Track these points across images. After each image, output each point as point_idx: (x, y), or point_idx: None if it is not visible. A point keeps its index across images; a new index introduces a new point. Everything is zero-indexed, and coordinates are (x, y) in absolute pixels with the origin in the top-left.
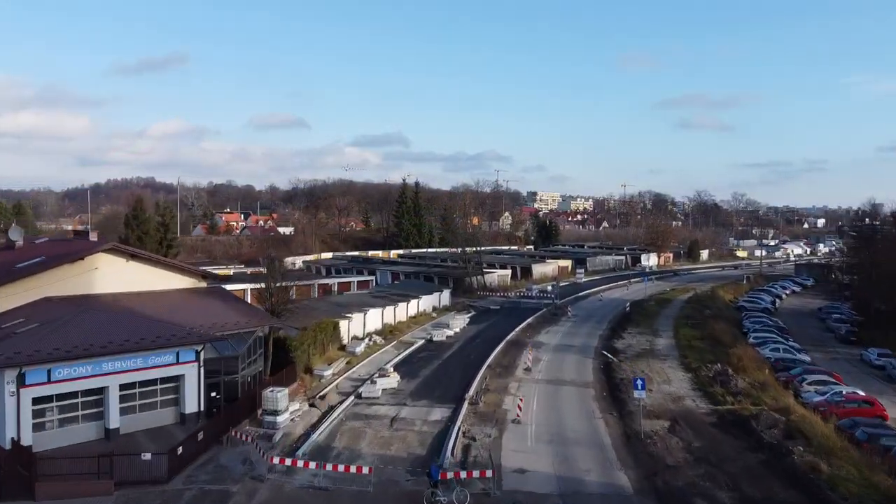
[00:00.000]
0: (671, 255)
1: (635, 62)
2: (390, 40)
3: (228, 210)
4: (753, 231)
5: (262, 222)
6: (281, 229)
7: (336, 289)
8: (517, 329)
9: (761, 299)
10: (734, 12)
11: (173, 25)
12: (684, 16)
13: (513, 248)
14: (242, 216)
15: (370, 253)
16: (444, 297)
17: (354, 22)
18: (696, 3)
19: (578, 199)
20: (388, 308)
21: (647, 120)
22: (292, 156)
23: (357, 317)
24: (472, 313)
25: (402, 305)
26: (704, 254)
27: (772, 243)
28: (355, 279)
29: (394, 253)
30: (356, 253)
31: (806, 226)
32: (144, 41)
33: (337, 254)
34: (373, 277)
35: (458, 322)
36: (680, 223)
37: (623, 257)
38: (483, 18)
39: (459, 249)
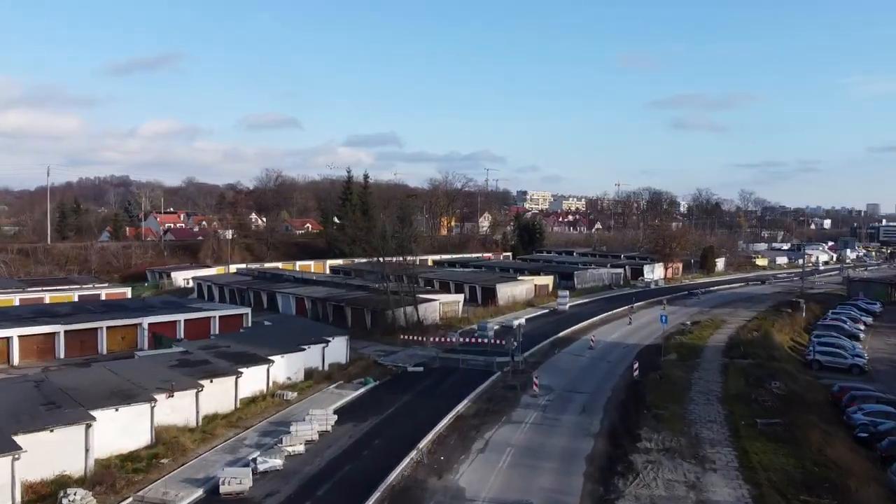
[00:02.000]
0: (680, 265)
1: (630, 63)
2: (384, 40)
3: (172, 210)
4: (763, 234)
5: (171, 224)
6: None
7: (182, 330)
8: (428, 437)
9: (842, 347)
10: (729, 14)
11: (165, 26)
12: (679, 17)
13: (484, 256)
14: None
15: (299, 264)
16: (336, 349)
17: (348, 22)
18: (691, 4)
19: (571, 199)
20: (183, 396)
21: (640, 120)
22: (285, 156)
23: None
24: (371, 385)
25: (222, 383)
26: (720, 263)
27: (784, 247)
28: (221, 312)
29: (330, 264)
30: (273, 265)
31: (813, 227)
32: (137, 41)
33: (243, 267)
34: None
35: (317, 420)
36: (680, 224)
37: (621, 270)
38: (478, 19)
39: (379, 261)
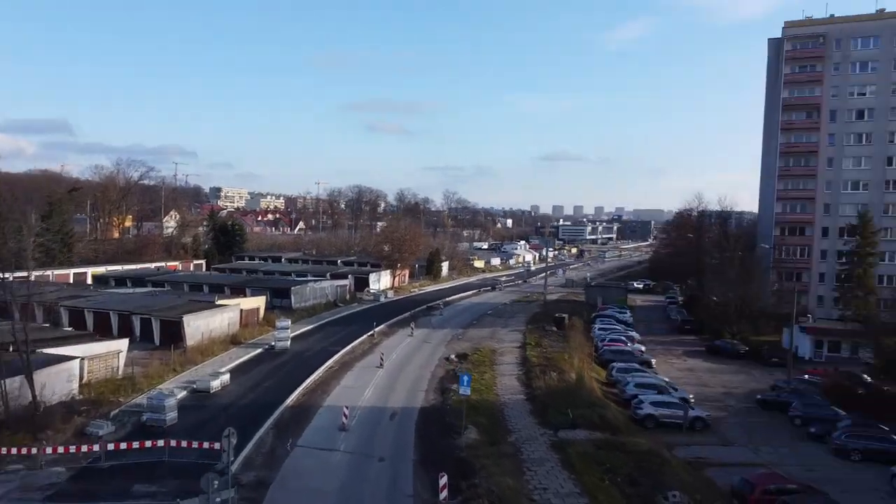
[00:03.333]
0: (407, 271)
1: (326, 62)
2: (60, 18)
3: None
4: (465, 233)
5: None
6: None
7: None
8: None
9: (663, 390)
10: (416, 24)
11: None
12: (370, 20)
13: (169, 266)
14: None
15: None
16: None
17: None
18: (382, 8)
19: (269, 197)
20: None
21: (338, 121)
22: None
23: None
24: None
25: None
26: (444, 267)
27: (483, 246)
28: None
29: None
30: None
31: (499, 226)
32: None
33: None
34: None
35: None
36: (385, 224)
37: (346, 281)
38: (166, 4)
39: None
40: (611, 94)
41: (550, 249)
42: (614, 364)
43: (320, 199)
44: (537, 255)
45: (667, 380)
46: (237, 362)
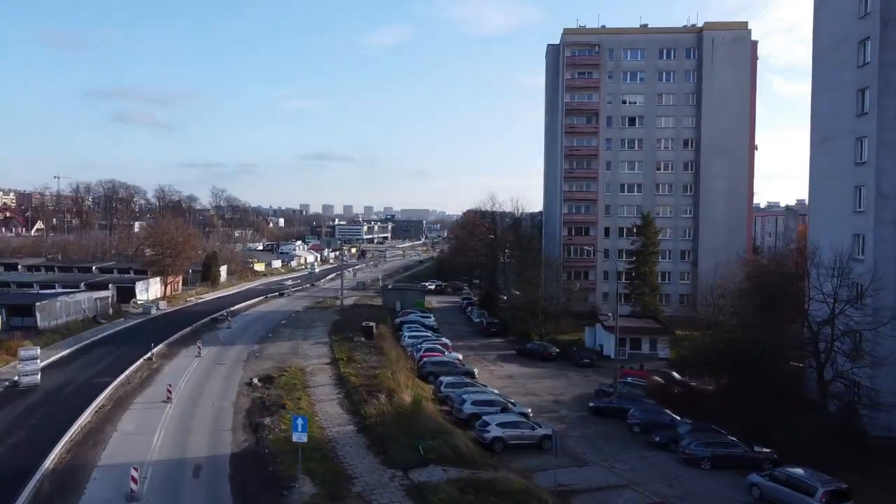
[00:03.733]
0: (181, 278)
1: (62, 43)
2: None
3: None
4: (236, 234)
5: None
6: None
7: None
8: None
9: (502, 406)
10: (167, 7)
11: None
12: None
13: None
14: None
15: None
16: None
17: None
18: None
19: None
20: None
21: (79, 109)
22: None
23: None
24: None
25: None
26: (223, 272)
27: (258, 247)
28: None
29: None
30: None
31: (271, 225)
32: None
33: None
34: None
35: None
36: (143, 223)
37: (107, 292)
38: None
39: None
40: (373, 96)
41: (331, 250)
42: (441, 378)
43: (62, 196)
44: (319, 255)
45: (496, 392)
46: None
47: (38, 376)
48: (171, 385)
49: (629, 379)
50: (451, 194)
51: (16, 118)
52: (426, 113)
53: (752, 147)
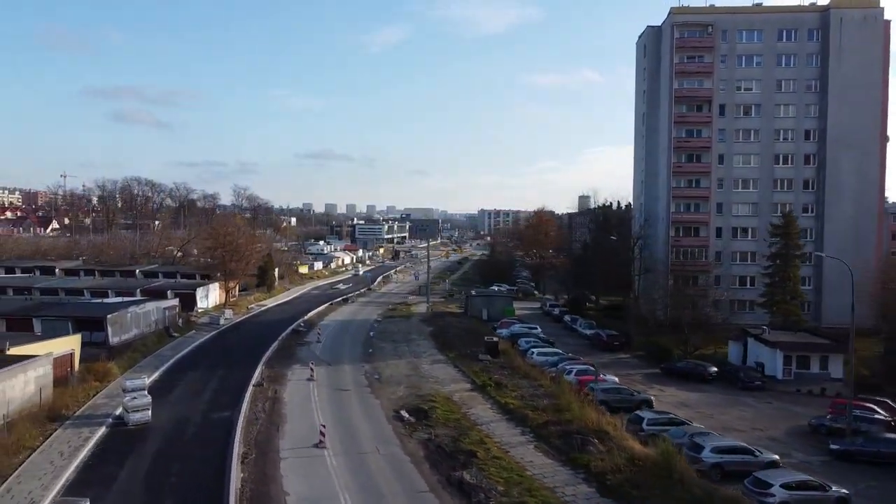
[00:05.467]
0: (237, 283)
1: (57, 42)
2: None
3: None
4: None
5: None
6: None
7: None
8: None
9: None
10: (168, 10)
11: None
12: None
13: None
14: None
15: None
16: None
17: None
18: None
19: (3, 192)
20: None
21: (78, 108)
22: None
23: None
24: None
25: None
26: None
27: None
28: None
29: None
30: None
31: (284, 225)
32: None
33: None
34: None
35: None
36: (160, 223)
37: (173, 301)
38: None
39: None
40: (373, 95)
41: (369, 251)
42: (641, 414)
43: (76, 195)
44: (354, 256)
45: (704, 430)
46: (72, 467)
47: (150, 412)
48: (323, 426)
49: (860, 411)
50: (451, 193)
51: (15, 117)
52: (426, 112)
53: (884, 139)
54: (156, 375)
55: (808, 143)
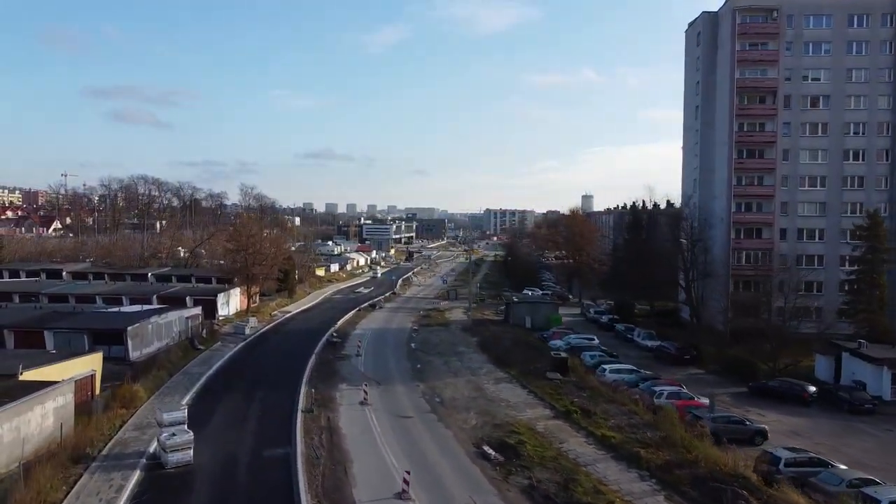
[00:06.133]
0: (260, 288)
1: (62, 40)
2: None
3: None
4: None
5: None
6: None
7: None
8: None
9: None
10: (167, 8)
11: None
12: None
13: None
14: None
15: None
16: None
17: None
18: None
19: (3, 192)
20: None
21: (78, 108)
22: None
23: None
24: None
25: None
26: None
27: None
28: None
29: None
30: None
31: (288, 225)
32: None
33: None
34: None
35: None
36: (165, 223)
37: (196, 310)
38: None
39: None
40: (373, 95)
41: (382, 252)
42: (776, 453)
43: (77, 194)
44: (368, 258)
45: (863, 475)
46: None
47: (192, 451)
48: (408, 472)
49: None
50: (452, 193)
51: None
52: (426, 112)
53: None
54: (187, 398)
55: (882, 137)
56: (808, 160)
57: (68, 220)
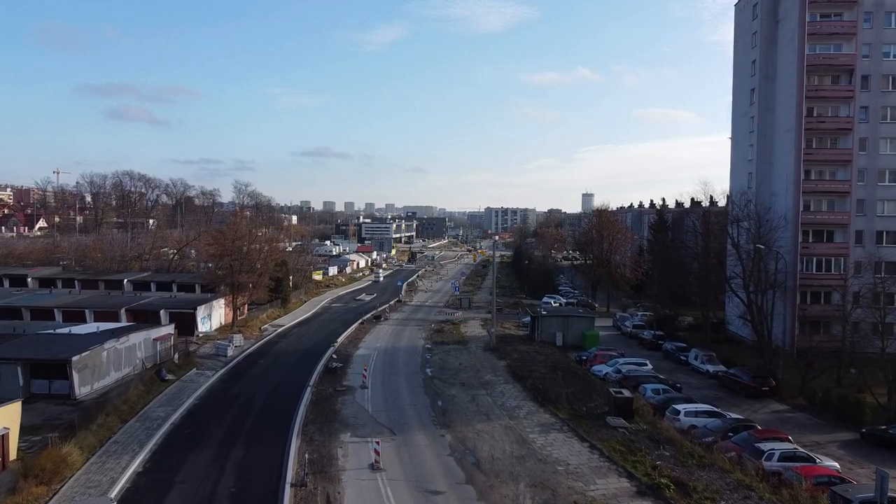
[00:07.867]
0: (247, 298)
1: (57, 38)
2: None
3: None
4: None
5: None
6: None
7: None
8: None
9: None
10: (168, 6)
11: None
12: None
13: None
14: None
15: None
16: None
17: None
18: None
19: None
20: None
21: (71, 105)
22: None
23: None
24: None
25: None
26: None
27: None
28: None
29: None
30: None
31: (285, 223)
32: None
33: None
34: None
35: None
36: (155, 222)
37: (168, 329)
38: None
39: None
40: (370, 93)
41: (384, 253)
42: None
43: (68, 192)
44: (369, 259)
45: None
46: None
47: None
48: None
49: None
50: (450, 191)
51: (9, 114)
52: (423, 110)
53: None
54: (137, 463)
55: None
56: (889, 150)
57: (56, 219)
